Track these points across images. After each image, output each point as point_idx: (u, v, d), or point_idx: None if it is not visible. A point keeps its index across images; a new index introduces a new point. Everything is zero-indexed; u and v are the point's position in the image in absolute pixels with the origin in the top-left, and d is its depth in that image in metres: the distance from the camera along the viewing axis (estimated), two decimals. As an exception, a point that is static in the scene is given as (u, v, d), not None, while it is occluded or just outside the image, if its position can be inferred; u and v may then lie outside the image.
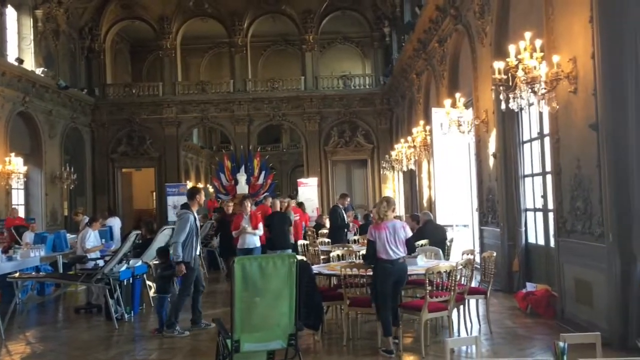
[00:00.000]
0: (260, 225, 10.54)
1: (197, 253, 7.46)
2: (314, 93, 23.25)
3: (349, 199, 13.91)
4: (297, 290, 4.83)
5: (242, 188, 20.59)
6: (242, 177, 20.96)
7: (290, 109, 23.37)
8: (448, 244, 9.41)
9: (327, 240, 11.64)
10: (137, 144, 23.35)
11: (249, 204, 10.60)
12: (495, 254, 7.34)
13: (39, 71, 18.49)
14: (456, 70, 12.70)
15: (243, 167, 21.47)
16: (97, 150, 22.96)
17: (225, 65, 25.67)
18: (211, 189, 24.66)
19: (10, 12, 17.99)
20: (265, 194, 18.85)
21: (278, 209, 11.59)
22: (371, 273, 6.42)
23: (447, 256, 9.16)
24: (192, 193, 7.58)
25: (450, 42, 12.58)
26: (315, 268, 7.42)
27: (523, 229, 9.06)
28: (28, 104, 17.82)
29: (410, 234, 6.43)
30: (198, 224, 7.49)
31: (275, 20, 24.03)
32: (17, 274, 8.70)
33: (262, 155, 23.67)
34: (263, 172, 22.02)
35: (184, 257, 7.15)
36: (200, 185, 31.10)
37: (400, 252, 6.13)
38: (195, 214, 7.48)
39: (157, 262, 8.75)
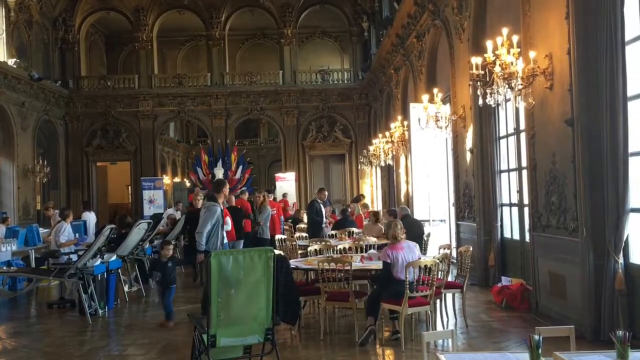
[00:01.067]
0: (228, 219, 10.41)
1: (220, 243, 7.57)
2: (292, 87, 23.17)
3: (326, 193, 13.93)
4: (274, 284, 4.81)
5: (219, 182, 20.43)
6: (219, 171, 20.84)
7: (268, 103, 23.27)
8: (425, 238, 9.46)
9: (304, 235, 11.62)
10: (112, 137, 23.04)
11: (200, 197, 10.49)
12: (471, 249, 7.39)
13: (11, 62, 18.10)
14: (434, 66, 12.76)
15: (220, 161, 21.36)
16: (71, 144, 22.58)
17: (202, 59, 25.46)
18: (188, 184, 24.47)
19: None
20: (243, 188, 18.77)
21: (233, 204, 11.53)
22: (348, 268, 6.43)
23: (424, 251, 9.20)
24: (218, 185, 7.71)
25: (428, 37, 12.62)
26: (293, 262, 7.39)
27: (499, 223, 9.14)
28: (0, 96, 17.44)
29: (418, 253, 6.54)
30: (223, 215, 7.67)
31: (253, 14, 23.87)
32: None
33: (240, 149, 23.55)
34: (240, 167, 21.93)
35: (209, 247, 7.26)
36: (177, 179, 30.84)
37: (411, 273, 6.16)
38: (222, 205, 7.63)
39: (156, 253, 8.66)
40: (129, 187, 24.53)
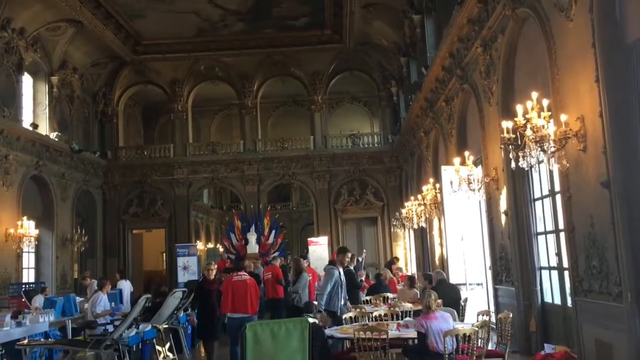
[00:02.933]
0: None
1: (343, 303, 8.46)
2: (323, 152, 23.47)
3: (349, 254, 13.75)
4: (309, 355, 4.74)
5: (253, 247, 20.52)
6: (252, 237, 20.92)
7: (299, 168, 23.55)
8: (462, 303, 9.25)
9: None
10: (148, 205, 23.48)
11: (213, 268, 10.00)
12: (511, 315, 7.18)
13: (53, 135, 18.86)
14: (464, 128, 12.82)
15: (253, 227, 21.47)
16: (108, 212, 23.08)
17: (235, 126, 26.09)
18: (221, 249, 24.58)
19: (27, 79, 18.52)
20: (276, 253, 18.76)
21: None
22: (385, 337, 6.31)
23: (461, 316, 8.98)
24: (341, 251, 8.96)
25: (457, 101, 12.76)
26: (328, 331, 7.28)
27: (538, 287, 8.89)
28: (41, 168, 18.09)
29: (452, 324, 6.44)
30: (343, 278, 8.52)
31: (284, 82, 24.54)
32: (25, 341, 8.58)
33: (272, 214, 23.69)
34: (273, 231, 21.99)
35: (331, 307, 8.11)
36: (210, 245, 31.04)
37: (449, 344, 6.05)
38: (341, 270, 8.52)
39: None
40: (164, 254, 24.76)
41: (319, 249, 20.69)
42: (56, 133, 19.12)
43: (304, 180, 23.83)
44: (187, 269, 20.24)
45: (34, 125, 17.89)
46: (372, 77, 24.06)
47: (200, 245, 26.62)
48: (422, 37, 15.44)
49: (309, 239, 22.04)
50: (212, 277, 9.74)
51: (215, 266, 10.43)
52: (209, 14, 19.46)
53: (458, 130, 12.88)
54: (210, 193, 32.10)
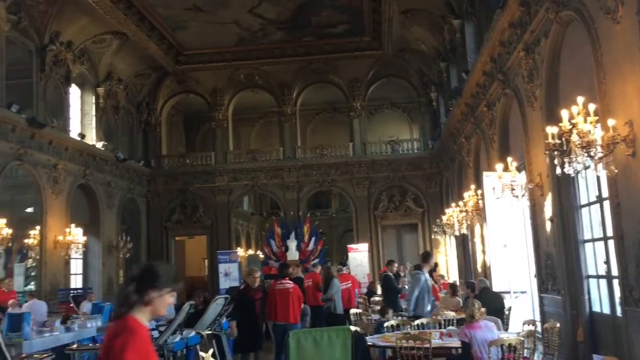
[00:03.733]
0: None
1: (429, 309, 8.65)
2: (362, 158, 23.44)
3: (396, 265, 13.72)
4: (352, 364, 4.74)
5: (293, 254, 20.60)
6: (292, 244, 21.01)
7: (339, 174, 23.57)
8: (506, 312, 9.09)
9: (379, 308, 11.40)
10: (190, 212, 23.87)
11: (257, 275, 9.36)
12: (558, 324, 7.02)
13: (99, 145, 19.41)
14: (506, 134, 12.62)
15: (293, 233, 21.55)
16: (152, 219, 23.56)
17: (275, 134, 26.31)
18: (262, 256, 24.77)
19: (74, 91, 19.12)
20: (316, 260, 18.80)
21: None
22: (427, 345, 6.25)
23: (505, 325, 8.83)
24: (426, 256, 9.14)
25: (499, 106, 12.57)
26: (370, 339, 7.25)
27: (586, 296, 8.65)
28: (88, 177, 18.63)
29: (497, 333, 6.37)
30: (429, 283, 8.84)
31: (323, 89, 24.64)
32: (75, 346, 8.83)
33: (312, 220, 23.74)
34: (313, 238, 22.02)
35: (417, 312, 8.32)
36: (251, 251, 31.32)
37: (494, 354, 5.98)
38: (427, 274, 8.81)
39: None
40: (205, 260, 25.10)
41: (358, 255, 20.65)
42: (102, 142, 19.67)
43: (343, 186, 23.84)
44: (229, 275, 20.46)
45: (82, 135, 18.43)
46: (411, 83, 23.94)
47: (241, 251, 26.89)
48: (462, 41, 15.29)
49: (349, 246, 22.03)
50: (256, 285, 9.32)
51: (259, 274, 9.88)
52: (249, 24, 19.73)
53: (500, 135, 12.68)
54: (250, 200, 32.41)
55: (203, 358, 9.80)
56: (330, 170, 23.55)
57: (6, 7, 14.40)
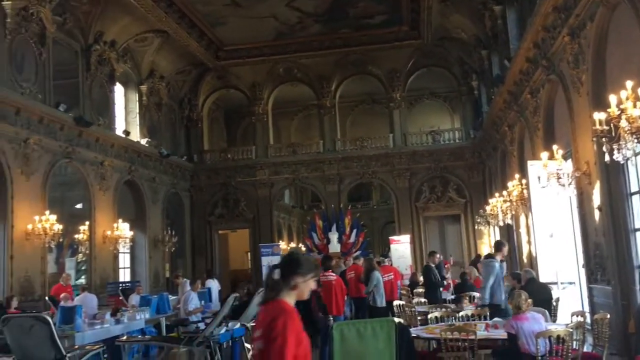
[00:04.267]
0: None
1: (504, 298, 8.28)
2: (403, 150, 23.26)
3: (438, 256, 13.54)
4: (397, 356, 4.73)
5: (334, 247, 20.64)
6: (333, 236, 21.05)
7: (379, 166, 23.46)
8: (554, 304, 8.90)
9: (423, 300, 11.35)
10: (232, 206, 24.17)
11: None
12: (608, 316, 6.84)
13: (143, 141, 19.84)
14: (551, 121, 12.31)
15: (334, 226, 21.58)
16: (195, 214, 23.97)
17: (314, 126, 26.35)
18: (304, 249, 24.90)
19: (118, 89, 19.57)
20: (357, 252, 18.77)
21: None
22: (473, 337, 6.19)
23: (553, 317, 8.65)
24: (499, 245, 8.84)
25: (543, 92, 12.27)
26: (414, 331, 7.22)
27: (638, 287, 8.40)
28: (134, 173, 19.06)
29: (545, 325, 6.27)
30: (503, 271, 8.61)
31: (362, 81, 24.53)
32: (124, 337, 9.08)
33: (353, 213, 23.72)
34: (355, 230, 22.00)
35: (493, 300, 8.06)
36: (293, 244, 31.53)
37: (542, 345, 5.89)
38: (499, 263, 8.56)
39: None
40: (248, 253, 25.40)
41: (400, 247, 20.54)
42: (146, 139, 20.09)
43: (384, 178, 23.73)
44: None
45: (126, 133, 18.86)
46: (451, 72, 23.59)
47: (282, 244, 27.10)
48: (504, 28, 14.96)
49: (391, 238, 21.93)
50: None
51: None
52: (287, 17, 19.78)
53: (545, 123, 12.38)
54: (291, 193, 32.59)
55: (249, 350, 9.96)
56: (370, 162, 23.46)
57: (51, 9, 14.81)
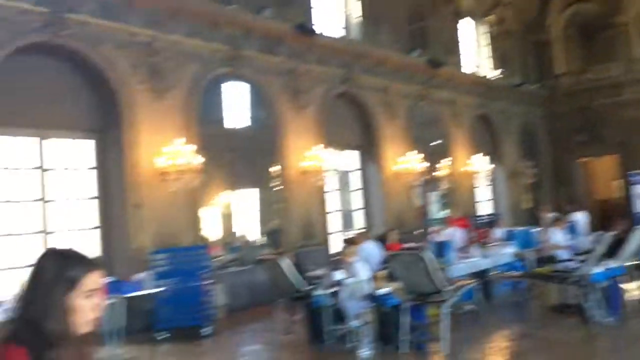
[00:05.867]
0: None
1: None
2: None
3: None
4: None
5: None
6: None
7: None
8: None
9: None
10: (594, 131, 22.10)
11: None
12: None
13: (494, 74, 19.59)
14: None
15: None
16: (552, 142, 22.75)
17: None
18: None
19: (464, 25, 19.48)
20: None
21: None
22: None
23: None
24: None
25: None
26: None
27: None
28: (485, 107, 19.09)
29: None
30: None
31: None
32: (495, 272, 9.31)
33: None
34: None
35: None
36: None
37: None
38: None
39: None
40: (616, 182, 23.04)
41: None
42: (498, 70, 19.77)
43: None
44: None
45: (476, 67, 18.85)
46: None
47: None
48: None
49: None
50: None
51: None
52: None
53: None
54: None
55: (625, 291, 9.09)
56: None
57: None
